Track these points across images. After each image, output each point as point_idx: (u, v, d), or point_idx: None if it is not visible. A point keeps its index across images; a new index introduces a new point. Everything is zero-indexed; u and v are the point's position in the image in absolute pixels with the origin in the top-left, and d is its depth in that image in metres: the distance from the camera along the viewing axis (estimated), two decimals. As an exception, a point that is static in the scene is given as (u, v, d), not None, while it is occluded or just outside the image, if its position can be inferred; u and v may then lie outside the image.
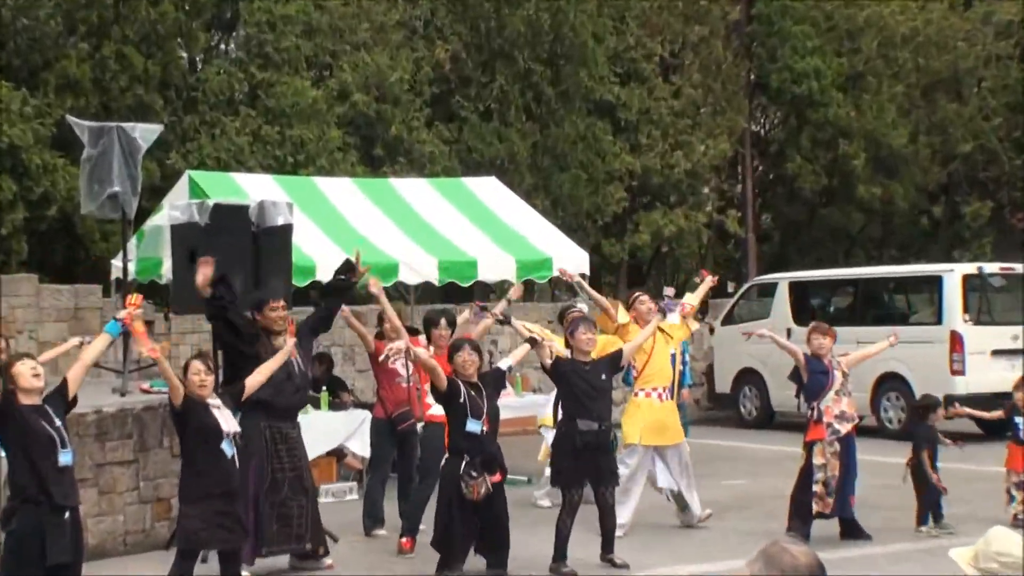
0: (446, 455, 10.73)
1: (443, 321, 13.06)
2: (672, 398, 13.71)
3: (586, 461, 11.44)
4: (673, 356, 13.93)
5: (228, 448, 9.65)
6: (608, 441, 11.66)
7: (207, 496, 9.61)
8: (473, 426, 10.46)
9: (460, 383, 10.65)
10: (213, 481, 9.60)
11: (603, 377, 11.58)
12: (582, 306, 15.13)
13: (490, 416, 10.64)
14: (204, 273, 11.39)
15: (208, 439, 9.60)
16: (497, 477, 10.55)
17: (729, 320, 25.74)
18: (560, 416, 11.75)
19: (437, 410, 11.63)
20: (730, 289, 36.97)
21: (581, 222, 32.09)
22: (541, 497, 15.50)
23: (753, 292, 26.21)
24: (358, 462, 16.62)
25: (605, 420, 11.51)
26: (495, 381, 10.97)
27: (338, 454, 16.66)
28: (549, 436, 13.78)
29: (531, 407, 17.72)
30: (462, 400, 10.58)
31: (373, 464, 14.12)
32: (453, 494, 10.57)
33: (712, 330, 26.32)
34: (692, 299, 14.19)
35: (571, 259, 16.71)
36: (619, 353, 12.06)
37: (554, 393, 12.45)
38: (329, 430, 16.11)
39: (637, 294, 14.21)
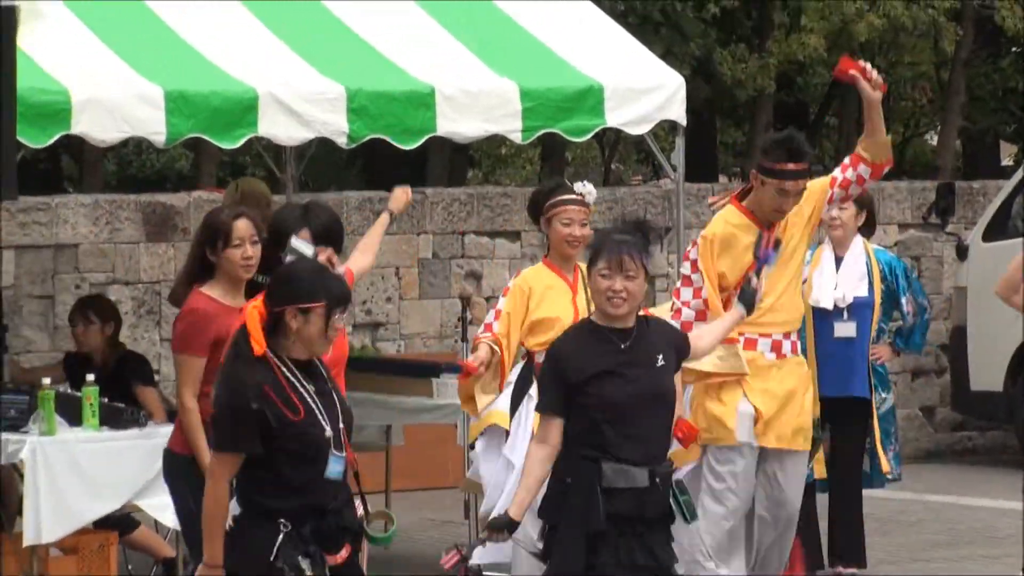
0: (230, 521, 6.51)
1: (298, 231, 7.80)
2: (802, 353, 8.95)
3: (614, 550, 7.20)
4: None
5: None
6: (663, 504, 7.29)
7: None
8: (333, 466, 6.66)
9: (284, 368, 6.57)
10: None
11: (659, 363, 7.27)
12: (586, 188, 9.56)
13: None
14: None
15: None
16: (343, 555, 6.69)
17: (999, 229, 14.44)
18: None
19: None
20: (1005, 160, 26.47)
21: (670, 8, 19.27)
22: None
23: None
24: (166, 545, 10.24)
25: (658, 463, 7.31)
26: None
27: (122, 524, 10.16)
28: (491, 464, 9.35)
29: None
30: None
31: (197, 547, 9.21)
32: None
33: (961, 250, 14.95)
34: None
35: (645, 92, 10.91)
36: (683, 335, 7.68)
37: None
38: (103, 472, 9.62)
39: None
